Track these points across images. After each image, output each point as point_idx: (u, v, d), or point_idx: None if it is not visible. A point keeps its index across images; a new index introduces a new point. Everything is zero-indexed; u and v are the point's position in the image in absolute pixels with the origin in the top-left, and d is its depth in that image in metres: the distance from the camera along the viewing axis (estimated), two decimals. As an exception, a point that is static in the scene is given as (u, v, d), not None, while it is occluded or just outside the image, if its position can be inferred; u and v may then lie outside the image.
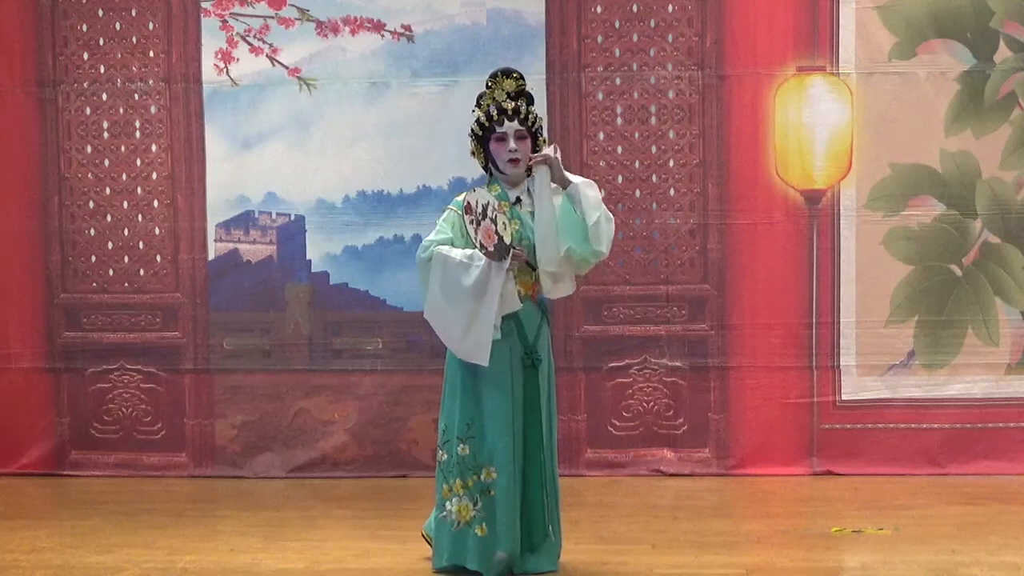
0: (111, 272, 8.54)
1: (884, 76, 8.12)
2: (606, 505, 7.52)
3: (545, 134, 6.07)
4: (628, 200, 8.17)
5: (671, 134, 8.25)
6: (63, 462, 8.55)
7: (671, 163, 8.26)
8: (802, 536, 6.66)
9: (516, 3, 8.26)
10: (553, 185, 5.78)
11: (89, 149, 8.51)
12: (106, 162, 8.52)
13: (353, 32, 8.34)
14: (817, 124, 8.16)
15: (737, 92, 8.18)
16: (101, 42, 8.48)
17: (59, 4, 8.46)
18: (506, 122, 5.85)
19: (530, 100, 5.94)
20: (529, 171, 5.88)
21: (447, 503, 5.83)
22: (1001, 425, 8.16)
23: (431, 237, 5.84)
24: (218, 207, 8.44)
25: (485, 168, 6.00)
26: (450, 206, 5.93)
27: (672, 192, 8.26)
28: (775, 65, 8.15)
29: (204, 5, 8.40)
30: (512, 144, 5.85)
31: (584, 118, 8.23)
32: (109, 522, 7.17)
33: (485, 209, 5.69)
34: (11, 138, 8.52)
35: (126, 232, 8.53)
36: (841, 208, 8.15)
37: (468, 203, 5.69)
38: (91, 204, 8.52)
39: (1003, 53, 8.09)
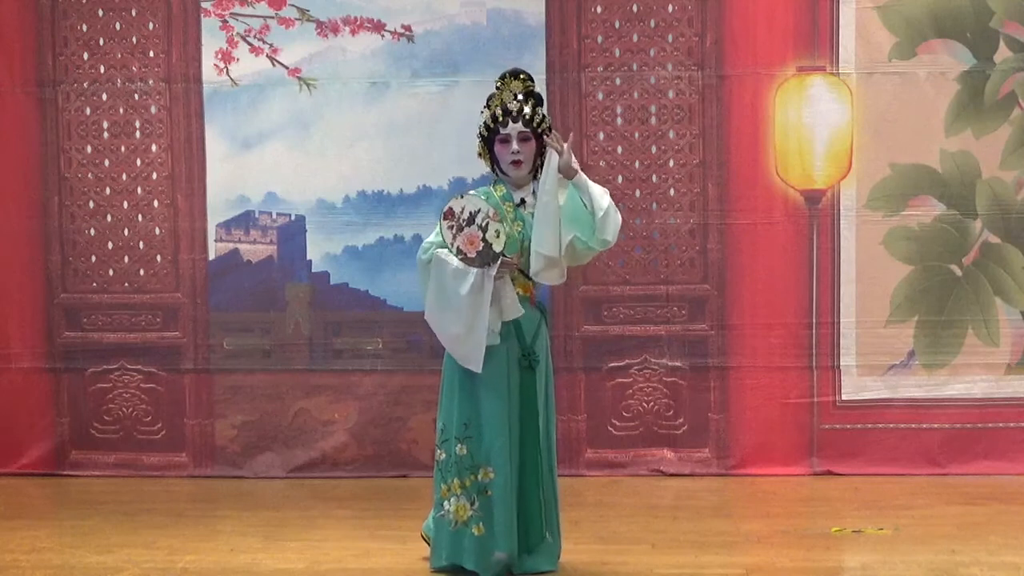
0: (111, 272, 8.54)
1: (884, 76, 8.12)
2: (606, 505, 7.52)
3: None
4: (628, 200, 8.17)
5: (671, 134, 8.25)
6: (63, 462, 8.55)
7: (671, 163, 8.26)
8: (802, 536, 6.66)
9: (516, 3, 8.26)
10: (559, 176, 5.76)
11: (89, 149, 8.51)
12: (106, 162, 8.52)
13: (353, 32, 8.34)
14: (817, 124, 8.16)
15: (737, 92, 8.18)
16: (101, 42, 8.48)
17: (59, 4, 8.46)
18: (510, 123, 5.84)
19: (539, 101, 5.93)
20: (535, 173, 5.87)
21: (445, 503, 5.84)
22: (1001, 425, 8.16)
23: (431, 239, 5.85)
24: (218, 207, 8.45)
25: (493, 169, 5.99)
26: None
27: (672, 192, 8.26)
28: (775, 65, 8.15)
29: (204, 5, 8.40)
30: (515, 146, 5.84)
31: (584, 118, 8.23)
32: (109, 522, 7.17)
33: (473, 216, 5.65)
34: (11, 138, 8.52)
35: (126, 232, 8.53)
36: (841, 208, 8.15)
37: (451, 208, 5.67)
38: (91, 204, 8.52)
39: (1003, 53, 8.09)
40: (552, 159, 5.75)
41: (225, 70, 8.40)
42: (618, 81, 8.26)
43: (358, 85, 8.36)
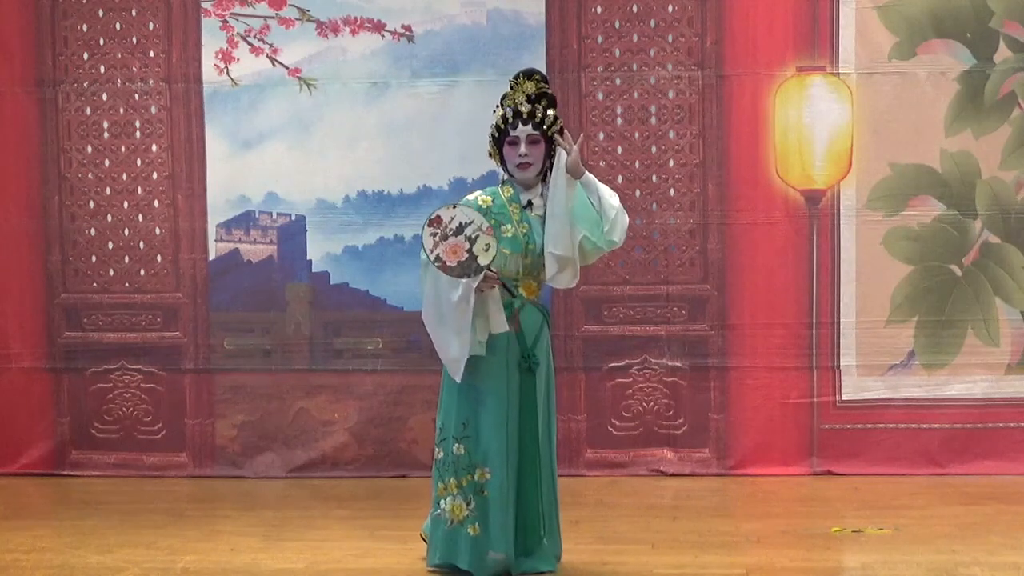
0: (111, 272, 8.55)
1: (884, 76, 8.12)
2: (606, 505, 7.52)
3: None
4: (628, 200, 8.12)
5: (671, 134, 8.25)
6: (63, 462, 8.55)
7: (671, 163, 8.26)
8: (802, 536, 6.66)
9: (516, 3, 8.26)
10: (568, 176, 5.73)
11: (89, 149, 8.52)
12: (106, 162, 8.52)
13: (353, 32, 8.34)
14: (817, 124, 8.16)
15: (737, 92, 8.18)
16: (101, 42, 8.48)
17: (59, 4, 8.46)
18: (520, 126, 5.79)
19: (551, 102, 5.85)
20: (544, 176, 5.85)
21: (442, 501, 5.83)
22: (1001, 425, 8.16)
23: (434, 240, 5.83)
24: (218, 207, 8.45)
25: (504, 169, 5.95)
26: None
27: (672, 192, 8.26)
28: (775, 65, 8.15)
29: (204, 5, 8.40)
30: (523, 149, 5.78)
31: (584, 118, 8.23)
32: (109, 522, 7.16)
33: (463, 227, 5.60)
34: (11, 138, 8.52)
35: (126, 232, 8.53)
36: (841, 208, 8.15)
37: (438, 216, 5.62)
38: (91, 204, 8.52)
39: (1003, 53, 8.09)
40: (562, 159, 5.72)
41: (225, 70, 8.40)
42: (618, 81, 8.26)
43: (358, 85, 8.36)
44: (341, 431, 8.44)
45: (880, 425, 8.21)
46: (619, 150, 8.27)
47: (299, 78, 8.37)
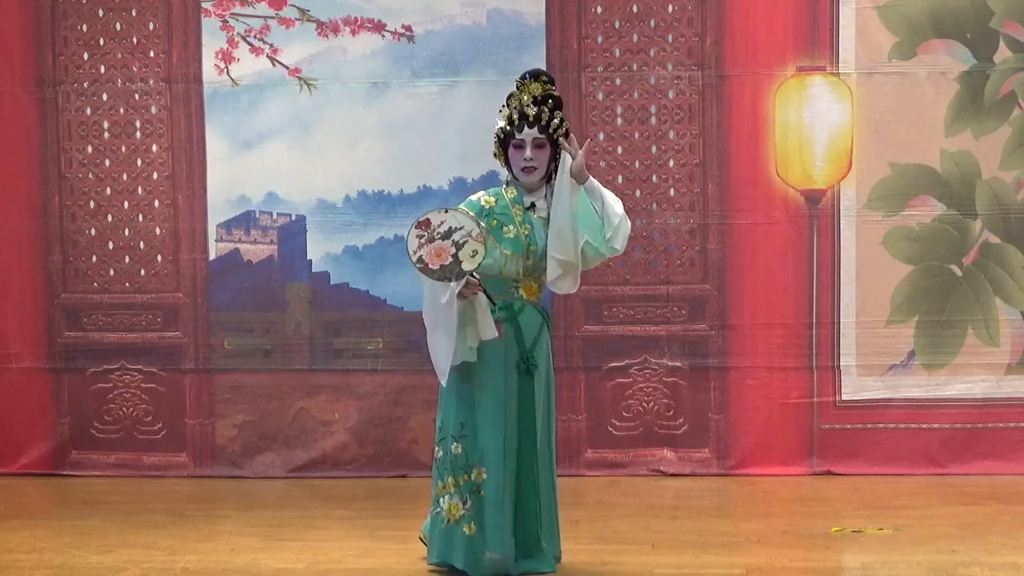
0: (112, 272, 8.55)
1: (884, 76, 8.12)
2: (606, 505, 7.52)
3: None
4: (628, 200, 8.14)
5: (671, 134, 8.25)
6: (63, 462, 8.55)
7: (671, 163, 8.26)
8: (802, 536, 6.66)
9: (516, 3, 8.27)
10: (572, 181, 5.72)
11: (89, 149, 8.52)
12: (106, 162, 8.52)
13: (353, 32, 8.34)
14: (817, 124, 8.16)
15: (737, 92, 8.18)
16: (101, 42, 8.48)
17: (59, 4, 8.47)
18: (526, 128, 5.74)
19: (557, 105, 5.79)
20: (549, 178, 5.83)
21: (440, 500, 5.83)
22: (1001, 425, 8.16)
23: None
24: (219, 207, 8.45)
25: (509, 171, 5.92)
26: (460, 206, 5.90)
27: (672, 192, 8.27)
28: (775, 65, 8.16)
29: (204, 5, 8.40)
30: (528, 153, 5.75)
31: (584, 118, 8.23)
32: (109, 522, 7.17)
33: (451, 231, 5.57)
34: (11, 138, 8.52)
35: (127, 232, 8.53)
36: (841, 208, 8.15)
37: (428, 219, 5.58)
38: (92, 204, 8.52)
39: (1003, 53, 8.09)
40: (566, 163, 5.70)
41: (225, 70, 8.41)
42: (618, 81, 8.26)
43: (358, 85, 8.36)
44: (341, 431, 8.44)
45: (880, 425, 8.21)
46: (619, 150, 8.27)
47: (299, 78, 8.38)
